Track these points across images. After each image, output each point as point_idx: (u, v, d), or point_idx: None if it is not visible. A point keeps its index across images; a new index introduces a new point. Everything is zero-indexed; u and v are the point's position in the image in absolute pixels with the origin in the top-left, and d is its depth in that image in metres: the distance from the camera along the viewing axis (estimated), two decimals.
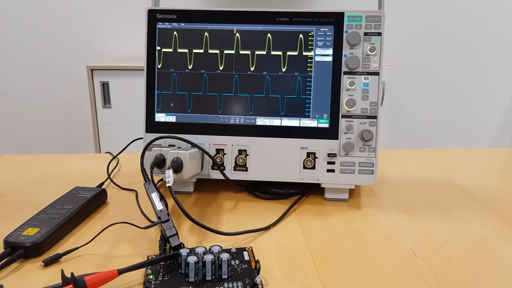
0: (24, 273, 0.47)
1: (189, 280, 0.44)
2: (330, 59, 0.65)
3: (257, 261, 0.45)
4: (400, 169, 0.83)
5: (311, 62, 0.65)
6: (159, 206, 0.53)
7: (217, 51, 0.66)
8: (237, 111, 0.67)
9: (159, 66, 0.67)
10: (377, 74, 0.65)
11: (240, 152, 0.66)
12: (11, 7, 2.22)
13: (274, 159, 0.66)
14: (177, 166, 0.59)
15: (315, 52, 0.65)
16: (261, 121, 0.66)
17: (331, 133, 0.65)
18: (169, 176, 0.56)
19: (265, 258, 0.50)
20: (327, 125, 0.65)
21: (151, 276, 0.45)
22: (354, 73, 0.65)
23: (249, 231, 0.56)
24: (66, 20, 2.26)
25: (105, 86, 1.93)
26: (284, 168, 0.66)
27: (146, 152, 0.65)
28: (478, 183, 0.76)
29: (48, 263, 0.48)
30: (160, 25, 0.67)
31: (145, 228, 0.52)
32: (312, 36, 0.65)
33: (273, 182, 0.69)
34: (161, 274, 0.46)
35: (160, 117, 0.68)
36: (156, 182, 0.71)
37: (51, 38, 2.27)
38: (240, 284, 0.44)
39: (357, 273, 0.47)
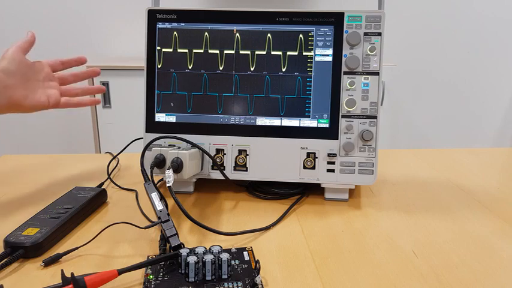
0: (24, 273, 0.47)
1: (189, 280, 0.44)
2: (330, 59, 0.65)
3: (257, 261, 0.45)
4: (400, 169, 0.83)
5: (311, 62, 0.65)
6: (159, 206, 0.53)
7: (217, 51, 0.66)
8: (237, 111, 0.67)
9: (159, 66, 0.67)
10: (377, 74, 0.65)
11: (240, 152, 0.66)
12: (11, 7, 2.22)
13: (274, 159, 0.66)
14: (177, 166, 0.59)
15: (315, 52, 0.65)
16: (261, 121, 0.66)
17: (331, 133, 0.65)
18: (169, 176, 0.56)
19: (265, 258, 0.50)
20: (327, 125, 0.65)
21: (151, 276, 0.45)
22: (354, 73, 0.65)
23: (249, 231, 0.56)
24: (66, 20, 2.25)
25: (104, 84, 1.92)
26: (284, 168, 0.66)
27: (146, 152, 0.65)
28: (478, 183, 0.76)
29: (48, 263, 0.48)
30: (160, 25, 0.67)
31: (145, 228, 0.52)
32: (312, 36, 0.65)
33: (273, 182, 0.69)
34: (161, 274, 0.46)
35: (160, 117, 0.68)
36: (156, 182, 0.71)
37: (51, 38, 2.27)
38: (240, 284, 0.44)
39: (357, 273, 0.47)
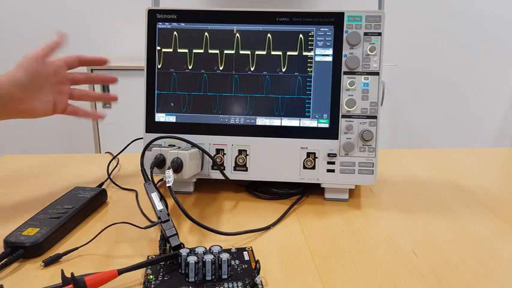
0: (24, 273, 0.47)
1: (189, 280, 0.44)
2: (330, 59, 0.65)
3: (257, 261, 0.45)
4: (400, 169, 0.83)
5: (311, 62, 0.65)
6: (159, 206, 0.53)
7: (217, 51, 0.66)
8: (237, 111, 0.67)
9: (159, 66, 0.67)
10: (377, 74, 0.65)
11: (240, 152, 0.66)
12: (11, 7, 2.22)
13: (274, 159, 0.66)
14: (177, 166, 0.59)
15: (315, 52, 0.65)
16: (261, 121, 0.66)
17: (331, 133, 0.65)
18: (169, 176, 0.56)
19: (265, 258, 0.50)
20: (327, 125, 0.65)
21: (151, 276, 0.45)
22: (354, 73, 0.65)
23: (249, 231, 0.56)
24: (66, 20, 2.25)
25: (105, 86, 1.92)
26: (284, 168, 0.66)
27: (146, 152, 0.65)
28: (478, 183, 0.76)
29: (48, 263, 0.48)
30: (160, 25, 0.67)
31: (145, 228, 0.52)
32: (312, 36, 0.65)
33: (273, 182, 0.69)
34: (161, 274, 0.46)
35: (160, 117, 0.68)
36: (156, 182, 0.71)
37: (51, 38, 2.27)
38: (240, 284, 0.44)
39: (357, 273, 0.47)
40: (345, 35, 0.65)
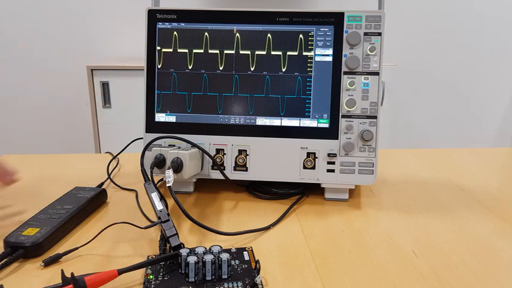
0: (24, 273, 0.47)
1: (189, 280, 0.44)
2: (330, 59, 0.65)
3: (257, 261, 0.45)
4: (400, 169, 0.83)
5: (311, 62, 0.65)
6: (159, 206, 0.53)
7: (217, 51, 0.66)
8: (237, 111, 0.67)
9: (159, 66, 0.67)
10: (377, 74, 0.65)
11: (240, 152, 0.66)
12: (11, 7, 2.22)
13: (274, 159, 0.66)
14: (177, 166, 0.59)
15: (315, 52, 0.65)
16: (261, 121, 0.66)
17: (331, 133, 0.65)
18: (169, 176, 0.56)
19: (265, 258, 0.50)
20: (327, 125, 0.65)
21: (151, 276, 0.45)
22: (354, 73, 0.65)
23: (249, 231, 0.56)
24: (66, 20, 2.25)
25: (105, 86, 1.93)
26: (284, 168, 0.66)
27: (146, 152, 0.65)
28: (478, 183, 0.76)
29: (48, 263, 0.48)
30: (160, 25, 0.67)
31: (145, 228, 0.52)
32: (312, 36, 0.65)
33: (273, 182, 0.69)
34: (161, 274, 0.46)
35: (160, 117, 0.68)
36: (156, 182, 0.71)
37: (51, 38, 2.27)
38: (240, 284, 0.44)
39: (357, 273, 0.47)
40: (345, 35, 0.65)
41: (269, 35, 0.66)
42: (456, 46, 2.44)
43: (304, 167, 0.66)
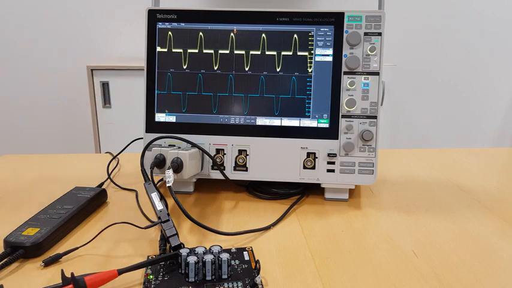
0: (24, 273, 0.47)
1: (189, 280, 0.44)
2: (330, 59, 0.65)
3: (257, 261, 0.45)
4: (400, 169, 0.83)
5: (311, 62, 0.65)
6: (159, 206, 0.53)
7: (217, 51, 0.66)
8: (237, 111, 0.67)
9: (159, 66, 0.67)
10: (377, 74, 0.65)
11: (240, 152, 0.66)
12: (11, 7, 2.22)
13: (274, 159, 0.66)
14: (177, 166, 0.59)
15: (315, 52, 0.65)
16: (261, 121, 0.66)
17: (331, 133, 0.65)
18: (169, 176, 0.56)
19: (265, 258, 0.50)
20: (327, 125, 0.65)
21: (151, 276, 0.45)
22: (354, 73, 0.65)
23: (249, 231, 0.56)
24: (66, 20, 2.26)
25: (105, 86, 1.93)
26: (284, 168, 0.66)
27: (146, 152, 0.65)
28: (478, 183, 0.76)
29: (48, 263, 0.48)
30: (160, 25, 0.67)
31: (145, 228, 0.52)
32: (312, 36, 0.65)
33: (273, 182, 0.69)
34: (161, 274, 0.46)
35: (160, 117, 0.68)
36: (156, 182, 0.71)
37: (51, 38, 2.27)
38: (240, 284, 0.44)
39: (357, 273, 0.47)
40: (345, 35, 0.65)
41: (269, 35, 0.66)
42: (456, 46, 2.44)
43: (304, 167, 0.66)
